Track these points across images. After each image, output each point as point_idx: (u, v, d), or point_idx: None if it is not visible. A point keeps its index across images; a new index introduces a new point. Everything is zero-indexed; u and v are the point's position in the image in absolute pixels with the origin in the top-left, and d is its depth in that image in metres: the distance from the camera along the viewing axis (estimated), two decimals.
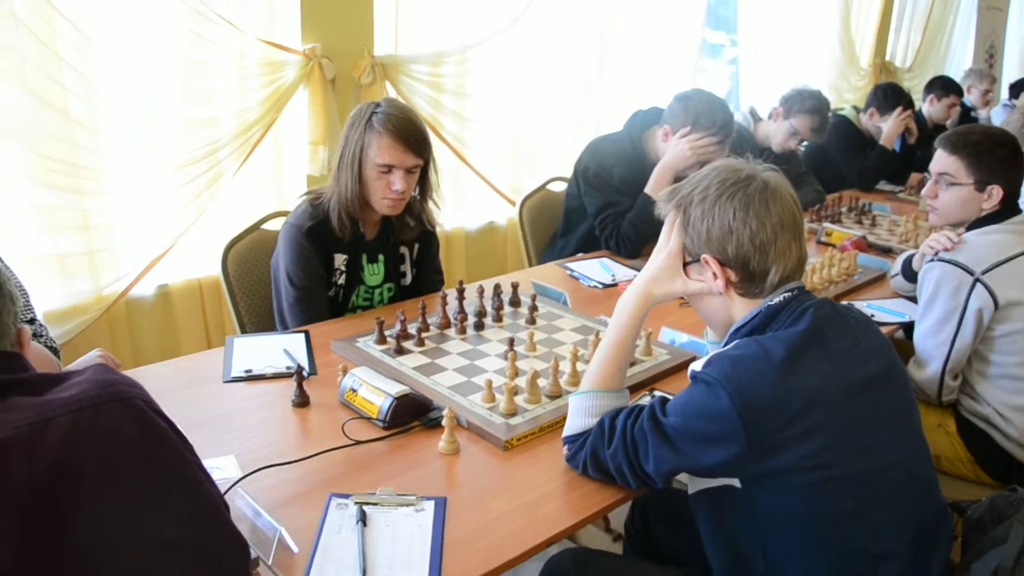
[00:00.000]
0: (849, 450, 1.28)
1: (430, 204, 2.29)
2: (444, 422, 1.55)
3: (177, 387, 1.78)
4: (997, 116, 5.86)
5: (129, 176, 2.62)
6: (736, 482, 1.31)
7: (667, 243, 1.48)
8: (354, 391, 1.68)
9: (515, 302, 2.25)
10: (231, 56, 2.74)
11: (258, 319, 2.37)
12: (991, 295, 2.02)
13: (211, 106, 2.75)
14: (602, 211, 2.82)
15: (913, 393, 1.47)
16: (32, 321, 1.74)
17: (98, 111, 2.51)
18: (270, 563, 1.23)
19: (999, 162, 2.12)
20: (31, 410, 0.85)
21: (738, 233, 1.35)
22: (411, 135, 2.07)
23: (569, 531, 1.39)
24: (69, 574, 0.81)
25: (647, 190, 2.76)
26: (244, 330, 2.34)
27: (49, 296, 2.51)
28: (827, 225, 3.22)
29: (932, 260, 2.13)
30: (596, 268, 2.67)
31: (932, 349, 2.10)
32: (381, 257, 2.29)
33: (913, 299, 2.42)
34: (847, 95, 5.66)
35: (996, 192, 2.12)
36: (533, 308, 2.17)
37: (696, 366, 1.34)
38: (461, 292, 2.16)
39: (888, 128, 4.08)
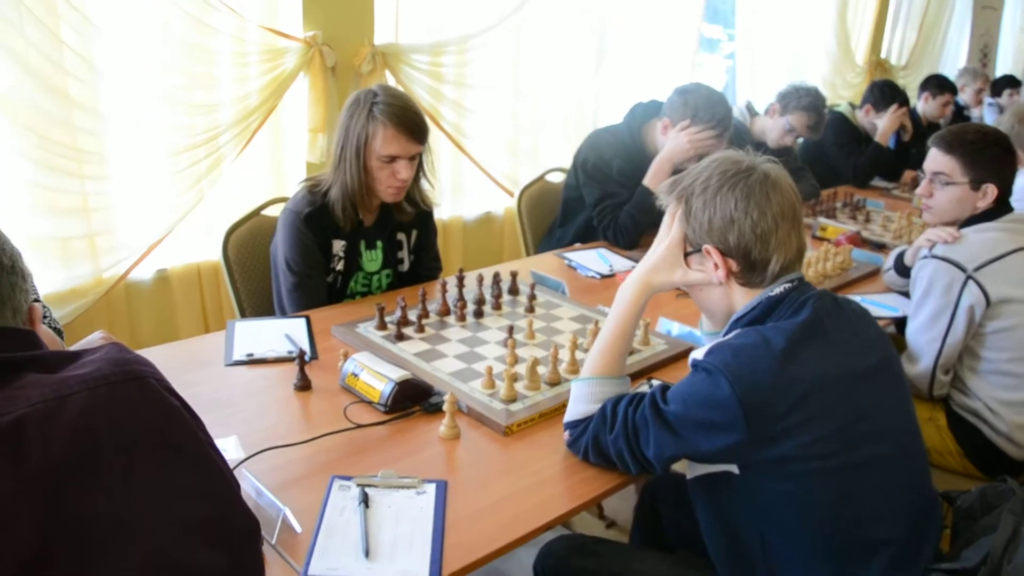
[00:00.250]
0: (847, 439, 1.30)
1: (424, 184, 2.30)
2: (445, 407, 1.57)
3: (179, 370, 1.79)
4: (990, 115, 5.90)
5: (129, 160, 2.63)
6: (735, 468, 1.34)
7: (668, 233, 1.49)
8: (355, 376, 1.70)
9: (514, 291, 2.27)
10: (232, 42, 2.74)
11: (258, 304, 2.38)
12: (983, 292, 2.05)
13: (212, 92, 2.75)
14: (600, 202, 2.84)
15: (908, 385, 1.50)
16: (37, 301, 1.75)
17: (99, 95, 2.52)
18: (274, 542, 1.25)
19: (993, 161, 2.15)
20: (47, 387, 0.85)
21: (739, 223, 1.37)
22: (415, 125, 2.09)
23: (568, 515, 1.41)
24: (88, 549, 0.81)
25: (645, 182, 2.77)
26: (244, 315, 2.35)
27: (48, 279, 2.52)
28: (822, 220, 3.25)
29: (926, 256, 2.15)
30: (594, 258, 2.69)
31: (924, 345, 2.13)
32: (379, 243, 2.30)
33: (905, 294, 2.45)
34: (842, 92, 5.69)
35: (991, 191, 2.14)
36: (532, 297, 2.19)
37: (697, 354, 1.36)
38: (461, 280, 2.18)
39: (884, 125, 4.10)
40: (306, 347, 1.90)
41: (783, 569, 1.36)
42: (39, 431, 0.82)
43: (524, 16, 3.65)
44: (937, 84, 4.74)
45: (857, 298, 2.43)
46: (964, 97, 5.63)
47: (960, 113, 5.51)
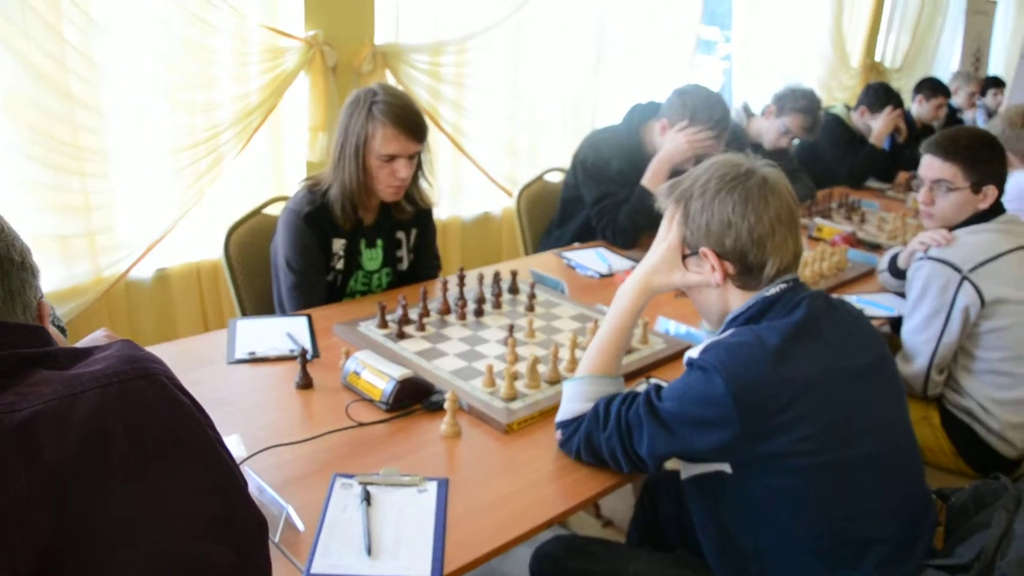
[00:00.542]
0: (840, 437, 1.32)
1: (422, 183, 2.31)
2: (447, 405, 1.59)
3: (180, 368, 1.76)
4: (980, 116, 5.93)
5: (130, 158, 2.63)
6: (727, 467, 1.35)
7: (667, 236, 1.51)
8: (357, 374, 1.71)
9: (514, 290, 2.29)
10: (233, 41, 2.75)
11: (259, 303, 2.40)
12: (978, 293, 2.07)
13: (212, 91, 2.76)
14: (599, 201, 2.86)
15: (902, 384, 1.52)
16: (43, 299, 1.75)
17: (100, 93, 2.52)
18: (277, 540, 1.25)
19: (990, 163, 2.17)
20: (59, 384, 0.85)
21: (736, 227, 1.39)
22: (414, 124, 2.10)
23: (568, 513, 1.42)
24: (100, 545, 0.81)
25: (644, 182, 2.79)
26: (245, 313, 2.36)
27: (48, 277, 2.52)
28: (818, 220, 3.27)
29: (922, 257, 2.17)
30: (593, 258, 2.71)
31: (920, 345, 2.15)
32: (379, 242, 2.32)
33: (900, 294, 2.48)
34: (837, 94, 5.72)
35: (991, 192, 2.17)
36: (532, 296, 2.20)
37: (692, 353, 1.38)
38: (462, 279, 2.19)
39: (878, 127, 4.13)
40: (308, 345, 1.91)
41: (777, 567, 1.38)
42: (53, 428, 0.82)
43: (523, 17, 3.67)
44: (931, 87, 4.78)
45: (853, 298, 2.48)
46: (957, 100, 5.67)
47: (953, 116, 5.54)
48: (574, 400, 1.52)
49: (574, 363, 1.82)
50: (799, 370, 1.30)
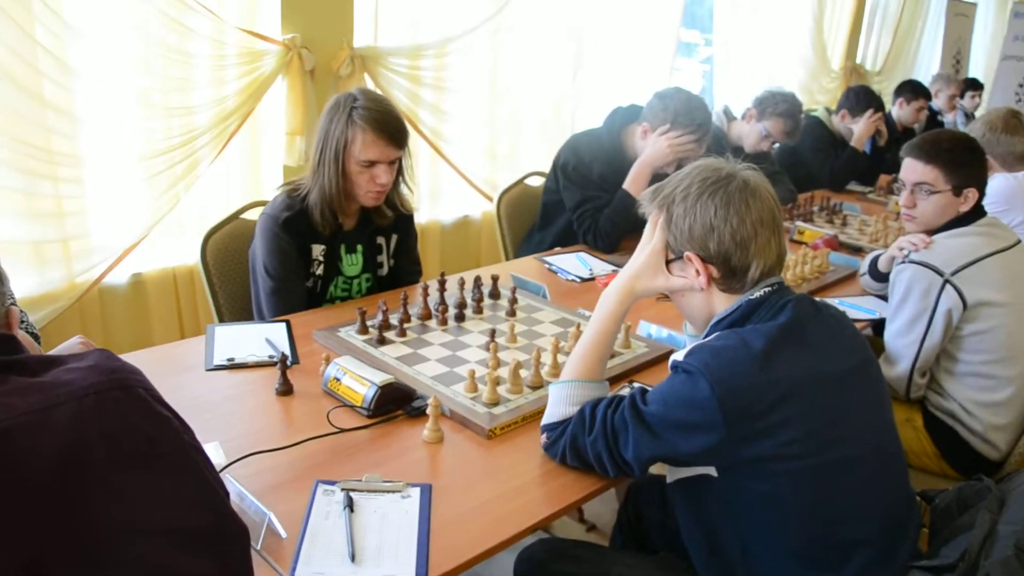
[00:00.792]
0: (824, 440, 1.31)
1: (403, 188, 2.29)
2: (429, 411, 1.57)
3: (158, 375, 1.72)
4: (960, 119, 5.99)
5: (104, 163, 2.60)
6: (713, 471, 1.35)
7: (650, 240, 1.50)
8: (338, 380, 1.69)
9: (495, 294, 2.27)
10: (210, 45, 2.73)
11: (237, 309, 2.36)
12: (960, 296, 2.08)
13: (189, 94, 2.74)
14: (580, 206, 2.85)
15: (886, 386, 1.52)
16: (13, 305, 1.72)
17: (74, 97, 2.49)
18: (259, 548, 1.23)
19: (971, 165, 2.18)
20: (33, 396, 0.83)
21: (719, 230, 1.39)
22: (395, 130, 2.08)
23: (553, 518, 1.41)
24: (83, 560, 0.80)
25: (625, 186, 2.78)
26: (223, 319, 2.33)
27: (20, 283, 2.48)
28: (799, 224, 3.28)
29: (903, 262, 2.18)
30: (574, 262, 2.70)
31: (902, 348, 2.15)
32: (359, 247, 2.29)
33: (881, 297, 2.48)
34: (818, 96, 5.76)
35: (972, 195, 2.17)
36: (513, 300, 2.19)
37: (678, 356, 1.37)
38: (443, 284, 2.17)
39: (859, 130, 4.15)
40: (287, 351, 1.88)
41: (762, 570, 1.37)
42: (27, 442, 0.80)
43: (503, 20, 3.66)
44: (911, 89, 4.81)
45: (835, 301, 2.48)
46: (938, 102, 5.72)
47: (934, 118, 5.59)
48: (560, 404, 1.51)
49: (556, 368, 1.80)
50: (784, 373, 1.30)
